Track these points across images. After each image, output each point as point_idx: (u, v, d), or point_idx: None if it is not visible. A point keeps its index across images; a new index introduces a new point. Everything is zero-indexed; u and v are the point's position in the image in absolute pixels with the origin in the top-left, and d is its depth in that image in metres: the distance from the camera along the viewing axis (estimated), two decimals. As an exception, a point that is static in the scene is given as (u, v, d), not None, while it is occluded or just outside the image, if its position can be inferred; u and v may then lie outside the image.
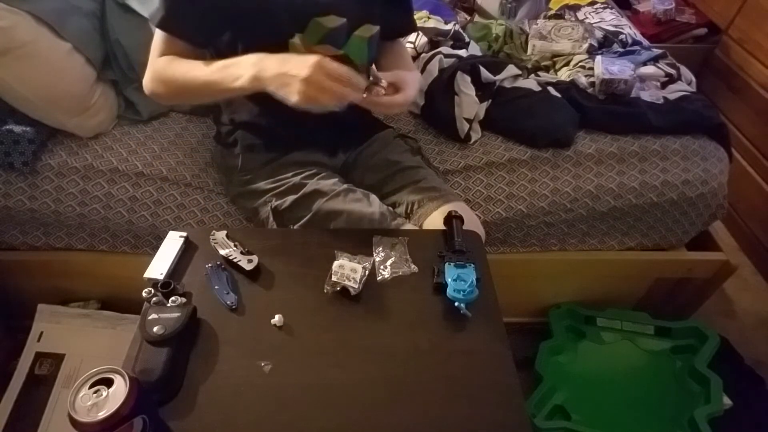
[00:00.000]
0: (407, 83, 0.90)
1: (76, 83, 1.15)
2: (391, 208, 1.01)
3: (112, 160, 1.19)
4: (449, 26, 1.51)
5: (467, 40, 1.47)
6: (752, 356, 1.51)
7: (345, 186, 1.02)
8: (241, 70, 0.81)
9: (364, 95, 0.85)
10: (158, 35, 0.92)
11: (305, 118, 1.01)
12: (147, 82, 0.94)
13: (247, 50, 0.93)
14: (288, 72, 0.77)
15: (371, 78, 0.87)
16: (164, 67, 0.91)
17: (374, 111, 1.08)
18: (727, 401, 1.28)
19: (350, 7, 0.92)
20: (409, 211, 1.03)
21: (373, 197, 1.02)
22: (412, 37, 1.46)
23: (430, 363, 0.70)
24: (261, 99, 1.01)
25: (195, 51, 0.94)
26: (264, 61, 0.80)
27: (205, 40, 0.95)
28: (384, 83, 0.86)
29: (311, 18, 0.88)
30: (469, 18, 1.81)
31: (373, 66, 0.92)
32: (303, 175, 1.03)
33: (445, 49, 1.38)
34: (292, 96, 0.77)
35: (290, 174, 1.04)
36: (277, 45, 0.89)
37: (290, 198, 1.00)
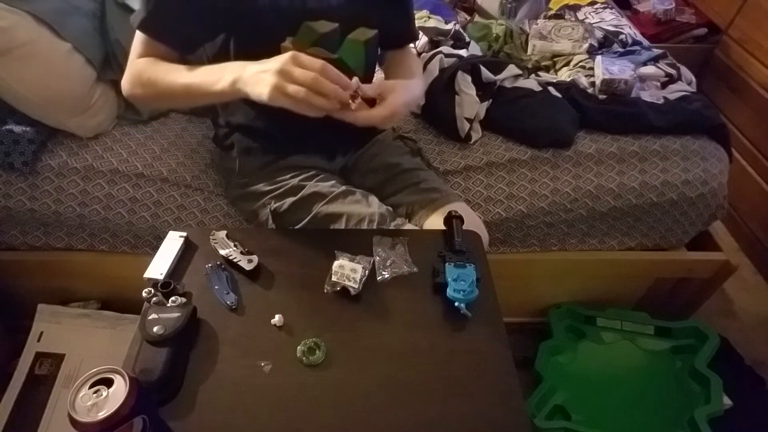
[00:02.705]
0: (394, 91, 0.82)
1: (76, 83, 1.15)
2: (390, 208, 1.01)
3: (112, 161, 1.19)
4: (449, 26, 1.52)
5: (467, 39, 1.47)
6: (752, 356, 1.51)
7: (344, 187, 1.01)
8: (224, 73, 0.79)
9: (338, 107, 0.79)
10: (138, 37, 0.89)
11: (302, 122, 1.01)
12: (125, 83, 0.91)
13: (239, 53, 0.91)
14: (262, 69, 0.74)
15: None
16: (143, 69, 0.88)
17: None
18: (727, 401, 1.28)
19: (341, 12, 0.89)
20: (409, 213, 1.03)
21: (372, 197, 1.01)
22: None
23: (430, 363, 0.70)
24: (257, 102, 1.01)
25: (176, 56, 0.90)
26: (247, 65, 0.77)
27: (186, 45, 0.92)
28: (356, 101, 0.78)
29: (300, 21, 0.85)
30: (469, 18, 1.81)
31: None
32: (301, 177, 1.03)
33: (446, 49, 1.38)
34: (264, 89, 0.72)
35: (288, 176, 1.03)
36: (269, 48, 0.87)
37: (289, 200, 1.00)
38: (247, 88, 0.75)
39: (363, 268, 0.79)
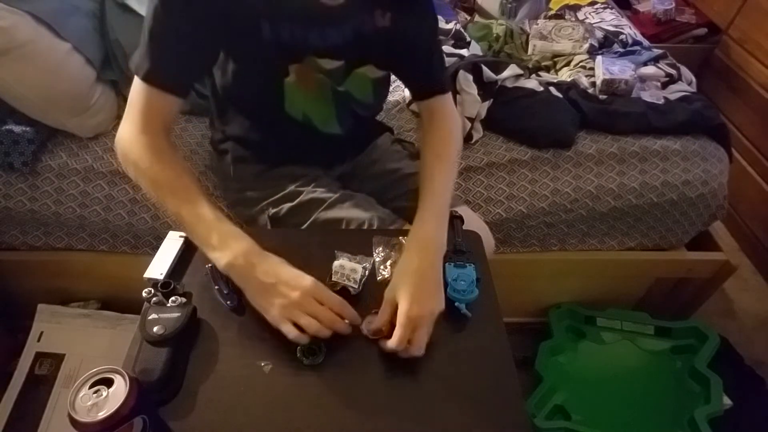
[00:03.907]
0: (397, 302, 0.71)
1: (76, 83, 1.15)
2: (389, 211, 1.00)
3: (112, 162, 1.19)
4: (450, 26, 1.52)
5: (468, 39, 1.47)
6: (752, 356, 1.51)
7: (341, 192, 1.00)
8: (222, 246, 0.72)
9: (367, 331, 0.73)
10: (139, 89, 0.79)
11: (298, 136, 0.99)
12: (124, 144, 0.79)
13: (237, 79, 0.90)
14: (276, 286, 0.69)
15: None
16: (147, 158, 0.77)
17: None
18: (727, 401, 1.28)
19: (345, 53, 0.86)
20: (411, 218, 1.02)
21: (371, 200, 1.01)
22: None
23: (430, 363, 0.70)
24: (253, 113, 0.99)
25: (179, 104, 0.83)
26: (252, 259, 0.71)
27: (189, 90, 0.85)
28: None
29: (301, 57, 0.85)
30: (469, 18, 1.81)
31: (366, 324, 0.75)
32: (297, 183, 1.01)
33: (447, 49, 1.38)
34: (271, 311, 0.69)
35: (284, 182, 1.02)
36: (270, 79, 0.87)
37: (286, 206, 0.98)
38: (247, 289, 0.72)
39: (363, 268, 0.79)
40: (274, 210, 1.00)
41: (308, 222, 0.96)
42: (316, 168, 1.07)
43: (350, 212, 0.95)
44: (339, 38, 0.84)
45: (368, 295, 0.78)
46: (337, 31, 0.83)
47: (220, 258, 0.72)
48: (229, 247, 0.72)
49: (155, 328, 0.66)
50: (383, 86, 1.00)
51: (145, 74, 0.78)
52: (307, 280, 0.70)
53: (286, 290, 0.69)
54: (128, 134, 0.79)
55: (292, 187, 1.01)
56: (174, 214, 0.76)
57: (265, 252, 0.73)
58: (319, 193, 0.99)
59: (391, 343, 0.68)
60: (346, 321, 0.71)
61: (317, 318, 0.68)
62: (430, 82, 0.96)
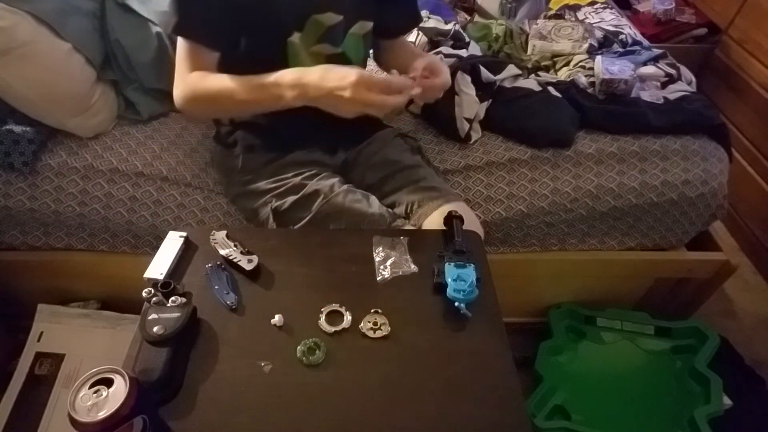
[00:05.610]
0: (438, 66, 0.91)
1: (76, 83, 1.15)
2: (390, 210, 1.01)
3: (112, 160, 1.19)
4: (449, 26, 1.52)
5: (467, 40, 1.47)
6: (752, 356, 1.51)
7: (345, 187, 1.02)
8: (283, 90, 0.83)
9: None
10: (181, 47, 0.91)
11: (305, 118, 1.02)
12: (179, 99, 0.92)
13: (250, 49, 0.94)
14: (333, 92, 0.79)
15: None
16: (196, 83, 0.90)
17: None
18: (727, 401, 1.28)
19: (347, 5, 0.93)
20: (408, 211, 1.03)
21: (373, 198, 1.02)
22: (412, 36, 1.47)
23: (430, 363, 0.70)
24: None
25: (212, 55, 0.92)
26: (304, 78, 0.81)
27: (220, 42, 0.93)
28: (415, 75, 0.87)
29: (307, 13, 0.89)
30: (469, 18, 1.81)
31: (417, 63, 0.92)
32: (303, 176, 1.03)
33: (446, 49, 1.38)
34: (343, 114, 0.81)
35: (290, 174, 1.04)
36: (278, 39, 0.91)
37: (290, 199, 1.00)
38: (321, 106, 0.82)
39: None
40: (278, 203, 1.01)
41: (310, 215, 0.97)
42: (322, 153, 1.10)
43: (352, 206, 0.97)
44: None
45: (368, 295, 0.78)
46: None
47: (289, 100, 0.83)
48: (284, 88, 0.83)
49: (155, 328, 0.66)
50: (368, 44, 1.09)
51: (174, 27, 0.89)
52: (350, 77, 0.78)
53: (340, 93, 0.79)
54: (180, 83, 0.91)
55: (297, 180, 1.03)
56: (238, 105, 0.89)
57: (307, 69, 0.82)
58: (323, 186, 1.01)
59: (437, 82, 0.90)
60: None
61: (372, 105, 0.79)
62: (411, 19, 1.14)
